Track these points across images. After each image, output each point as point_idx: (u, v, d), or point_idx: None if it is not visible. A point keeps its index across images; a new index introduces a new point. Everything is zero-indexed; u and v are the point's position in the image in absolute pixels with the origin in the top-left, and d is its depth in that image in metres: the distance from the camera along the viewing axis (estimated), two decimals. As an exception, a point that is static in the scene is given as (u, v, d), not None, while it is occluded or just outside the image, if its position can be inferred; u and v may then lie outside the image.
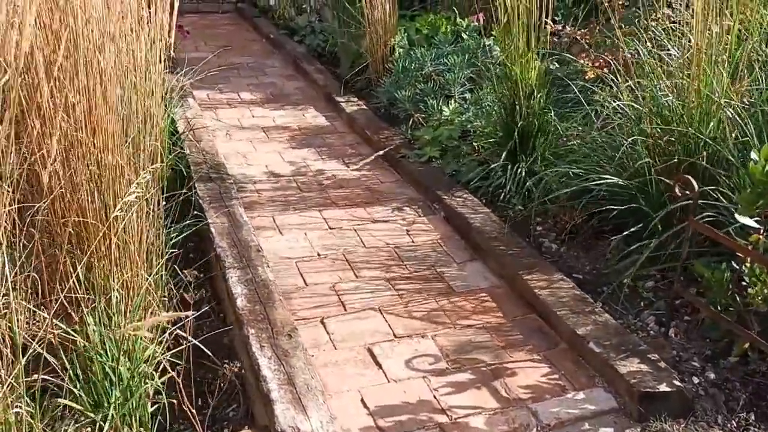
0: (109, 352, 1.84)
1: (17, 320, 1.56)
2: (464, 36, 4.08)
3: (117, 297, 1.97)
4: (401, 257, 2.65)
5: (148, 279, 2.08)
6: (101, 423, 1.72)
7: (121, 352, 1.86)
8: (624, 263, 2.41)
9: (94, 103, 1.95)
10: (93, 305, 1.89)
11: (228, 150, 3.60)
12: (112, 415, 1.72)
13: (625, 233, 2.45)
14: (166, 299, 2.24)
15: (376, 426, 1.81)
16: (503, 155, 3.05)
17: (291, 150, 3.67)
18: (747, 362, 2.03)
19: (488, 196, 3.03)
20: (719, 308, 2.06)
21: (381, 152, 3.48)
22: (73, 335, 1.79)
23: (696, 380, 1.98)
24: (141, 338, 1.94)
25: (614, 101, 2.66)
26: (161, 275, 2.25)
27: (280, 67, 5.28)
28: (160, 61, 3.72)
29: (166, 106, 3.71)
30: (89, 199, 1.93)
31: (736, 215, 1.83)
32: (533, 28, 3.01)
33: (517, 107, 3.04)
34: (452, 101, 3.51)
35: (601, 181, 2.52)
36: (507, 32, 3.03)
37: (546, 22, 3.10)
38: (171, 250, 2.48)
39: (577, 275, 2.54)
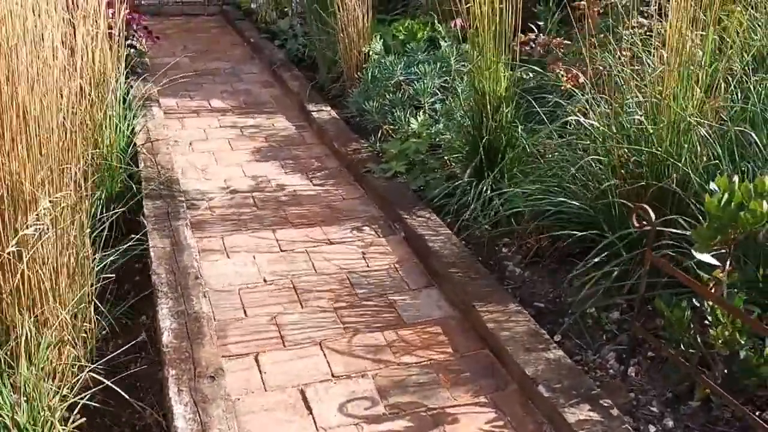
0: (6, 399, 1.69)
1: None
2: (441, 43, 3.90)
3: (26, 333, 1.83)
4: (353, 284, 2.49)
5: (62, 313, 1.93)
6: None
7: (22, 398, 1.71)
8: (587, 291, 2.24)
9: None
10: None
11: (187, 163, 3.45)
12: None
13: (587, 259, 2.28)
14: (86, 334, 2.09)
15: (295, 483, 1.66)
16: (468, 171, 2.89)
17: (254, 163, 3.51)
18: (710, 408, 1.86)
19: (453, 214, 2.87)
20: (682, 347, 1.90)
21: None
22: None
23: (652, 429, 1.81)
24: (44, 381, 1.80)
25: (580, 117, 2.48)
26: (84, 306, 2.10)
27: (258, 73, 5.13)
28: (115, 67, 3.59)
29: (124, 116, 3.58)
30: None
31: (693, 251, 1.65)
32: (503, 36, 2.84)
33: (484, 120, 2.88)
34: (422, 113, 3.34)
35: (562, 204, 2.35)
36: (475, 41, 2.87)
37: (518, 30, 2.94)
38: (111, 276, 2.34)
39: (539, 303, 2.38)
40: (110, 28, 3.89)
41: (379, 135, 3.50)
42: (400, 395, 1.95)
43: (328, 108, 4.08)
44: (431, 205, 2.93)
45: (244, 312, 2.32)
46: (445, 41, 3.76)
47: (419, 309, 2.36)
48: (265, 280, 2.50)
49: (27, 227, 1.71)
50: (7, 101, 1.82)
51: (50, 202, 1.77)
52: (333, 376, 2.02)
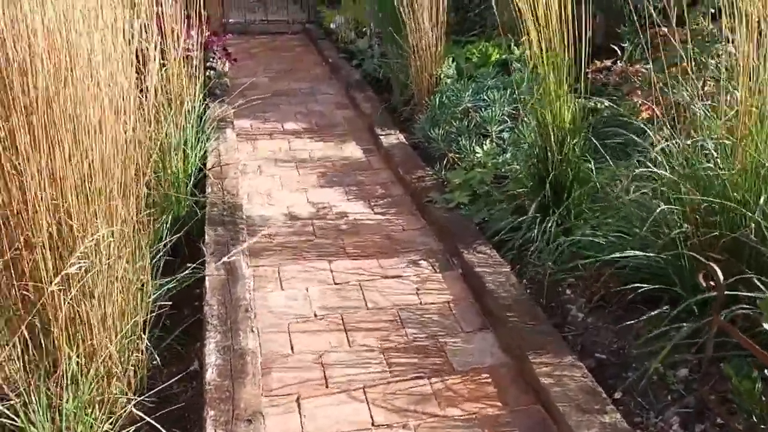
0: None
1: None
2: (515, 66, 3.78)
3: (73, 366, 1.87)
4: (404, 322, 2.42)
5: (109, 346, 1.97)
6: None
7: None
8: (654, 346, 2.07)
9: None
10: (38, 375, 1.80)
11: (253, 188, 3.49)
12: None
13: (657, 311, 2.11)
14: (137, 364, 2.13)
15: None
16: (534, 206, 2.76)
17: (318, 189, 3.51)
18: (785, 493, 1.66)
19: (515, 250, 2.74)
20: (754, 418, 1.71)
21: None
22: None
23: None
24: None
25: (651, 156, 2.31)
26: (135, 336, 2.14)
27: (334, 93, 5.16)
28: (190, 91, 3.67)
29: (197, 139, 3.67)
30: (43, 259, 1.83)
31: (764, 323, 1.48)
32: (571, 63, 2.71)
33: (549, 154, 2.74)
34: (488, 141, 3.23)
35: (628, 253, 2.19)
36: (537, 68, 2.74)
37: (593, 55, 2.79)
38: (167, 303, 2.38)
39: (600, 354, 2.22)
40: (189, 50, 4.01)
41: (444, 163, 3.42)
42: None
43: (397, 132, 4.03)
44: (493, 239, 2.82)
45: (291, 348, 2.29)
46: (517, 65, 3.63)
47: (470, 354, 2.26)
48: (315, 315, 2.47)
49: (71, 265, 1.74)
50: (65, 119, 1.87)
51: (92, 240, 1.79)
52: (373, 425, 1.95)
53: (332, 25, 6.26)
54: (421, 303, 2.54)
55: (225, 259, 2.66)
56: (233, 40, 6.96)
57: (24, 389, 1.79)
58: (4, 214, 1.81)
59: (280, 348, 2.29)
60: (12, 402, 1.76)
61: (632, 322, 2.22)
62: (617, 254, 2.23)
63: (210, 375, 2.04)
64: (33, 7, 1.74)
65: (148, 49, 2.94)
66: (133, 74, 2.36)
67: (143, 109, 2.93)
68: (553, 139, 2.69)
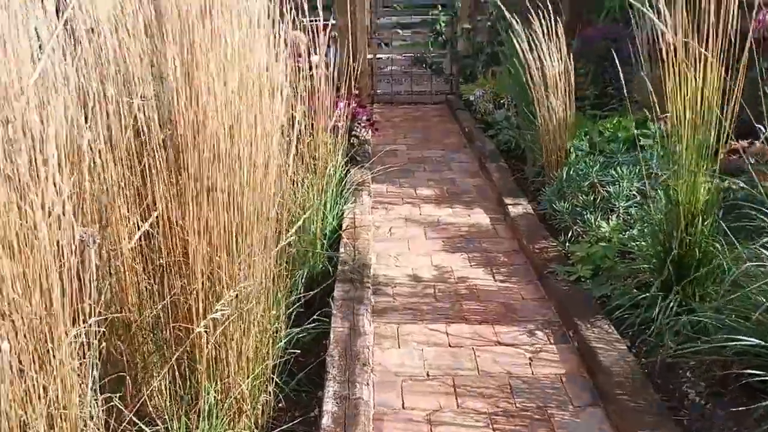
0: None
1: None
2: (648, 142, 3.77)
3: (211, 399, 2.13)
4: (513, 390, 2.47)
5: (242, 385, 2.21)
6: None
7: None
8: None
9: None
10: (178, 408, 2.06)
11: (382, 249, 3.72)
12: None
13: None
14: (263, 406, 2.35)
15: None
16: (657, 284, 2.73)
17: (443, 253, 3.66)
18: None
19: (635, 327, 2.72)
20: None
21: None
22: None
23: None
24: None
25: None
26: (266, 378, 2.37)
27: (467, 162, 5.35)
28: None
29: (335, 202, 3.98)
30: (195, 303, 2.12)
31: None
32: (706, 143, 2.70)
33: (677, 232, 2.72)
34: (615, 217, 3.24)
35: (750, 340, 2.13)
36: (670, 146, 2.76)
37: (730, 135, 2.77)
38: (295, 351, 2.62)
39: (717, 446, 2.15)
40: (336, 121, 4.40)
41: (569, 235, 3.45)
42: None
43: (525, 202, 4.12)
44: (612, 315, 2.81)
45: (402, 404, 2.42)
46: (649, 141, 3.63)
47: (578, 429, 2.26)
48: (428, 374, 2.59)
49: (216, 311, 2.01)
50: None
51: (236, 291, 2.06)
52: (473, 485, 2.02)
53: (471, 98, 6.51)
54: (532, 373, 2.59)
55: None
56: (379, 109, 7.44)
57: (168, 417, 2.07)
58: (168, 262, 2.13)
59: (392, 402, 2.43)
60: (158, 428, 2.02)
61: (750, 408, 2.14)
62: (742, 337, 2.17)
63: (325, 421, 2.22)
64: (213, 80, 2.07)
65: (295, 118, 3.30)
66: (281, 139, 2.70)
67: (287, 172, 3.29)
68: (682, 218, 2.67)
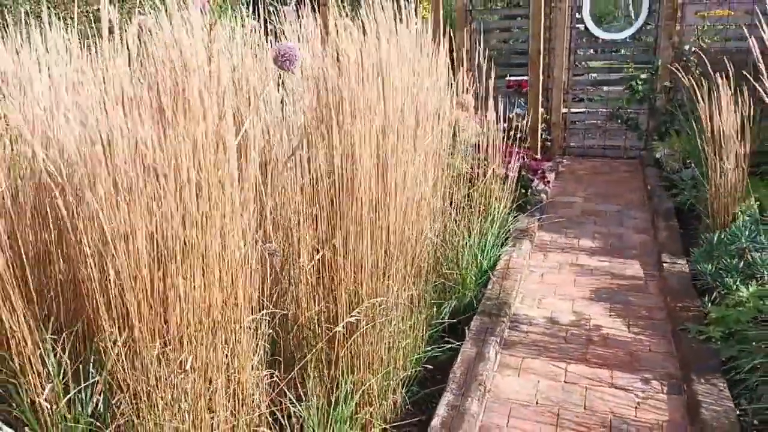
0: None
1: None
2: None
3: (346, 391, 2.69)
4: (612, 428, 2.71)
5: (371, 381, 2.75)
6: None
7: None
8: None
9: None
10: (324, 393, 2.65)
11: (528, 292, 4.06)
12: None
13: None
14: (393, 403, 2.87)
15: None
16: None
17: (586, 301, 3.90)
18: None
19: (753, 389, 2.79)
20: None
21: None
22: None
23: None
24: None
25: None
26: (396, 383, 2.89)
27: (640, 219, 5.43)
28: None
29: (494, 244, 4.41)
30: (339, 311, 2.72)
31: None
32: None
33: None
34: (755, 283, 3.27)
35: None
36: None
37: None
38: (429, 366, 3.13)
39: None
40: (506, 171, 4.86)
41: (713, 297, 3.51)
42: None
43: (683, 262, 4.18)
44: (729, 375, 2.89)
45: (507, 422, 2.78)
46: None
47: (661, 469, 2.45)
48: (537, 402, 2.91)
49: (350, 316, 2.58)
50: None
51: (365, 305, 2.62)
52: (547, 496, 2.33)
53: (657, 155, 6.50)
54: (635, 416, 2.79)
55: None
56: (568, 161, 7.68)
57: (313, 394, 2.67)
58: (326, 278, 2.76)
59: (497, 420, 2.80)
60: (303, 406, 2.63)
61: None
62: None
63: (434, 422, 2.67)
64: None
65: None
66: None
67: (443, 215, 3.84)
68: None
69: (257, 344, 2.41)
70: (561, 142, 7.91)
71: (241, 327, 2.30)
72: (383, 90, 2.71)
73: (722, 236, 3.70)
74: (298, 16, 2.97)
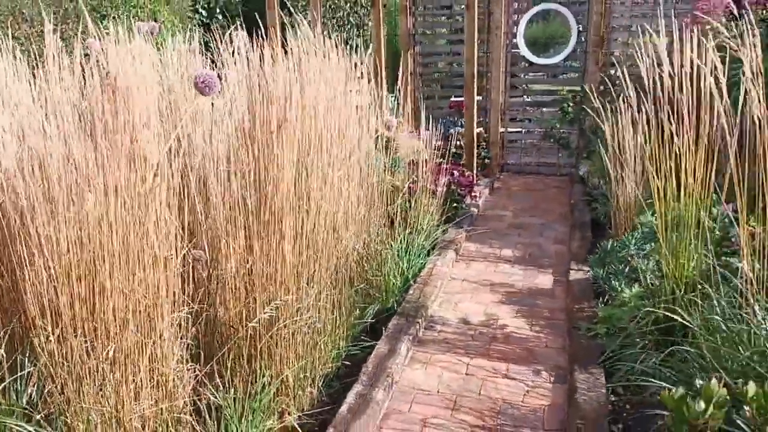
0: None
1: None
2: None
3: (263, 383, 3.00)
4: (500, 412, 3.07)
5: (287, 373, 3.07)
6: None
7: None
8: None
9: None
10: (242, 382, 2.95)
11: (446, 297, 4.42)
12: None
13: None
14: (309, 395, 3.18)
15: None
16: (641, 344, 3.19)
17: (498, 305, 4.28)
18: None
19: (624, 379, 3.17)
20: None
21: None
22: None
23: None
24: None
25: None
26: (313, 377, 3.21)
27: (560, 231, 5.87)
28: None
29: (418, 254, 4.77)
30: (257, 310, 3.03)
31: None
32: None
33: (669, 298, 3.17)
34: (637, 285, 3.69)
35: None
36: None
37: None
38: (347, 362, 3.45)
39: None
40: (435, 187, 5.24)
41: (606, 299, 3.92)
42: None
43: (588, 269, 4.59)
44: (610, 366, 3.28)
45: (409, 408, 3.12)
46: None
47: (536, 445, 2.82)
48: (438, 391, 3.26)
49: (264, 313, 2.90)
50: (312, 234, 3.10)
51: (274, 305, 2.94)
52: (434, 468, 2.68)
53: (581, 171, 6.97)
54: (522, 402, 3.16)
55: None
56: (505, 178, 8.12)
57: (231, 390, 2.97)
58: (248, 282, 3.08)
59: (400, 406, 3.14)
60: (221, 395, 2.93)
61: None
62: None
63: (342, 408, 2.99)
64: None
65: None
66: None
67: (368, 226, 4.17)
68: (668, 288, 3.14)
69: (179, 338, 2.71)
70: (499, 159, 8.36)
71: (162, 322, 2.61)
72: (305, 115, 3.07)
73: (614, 245, 4.12)
74: (251, 42, 3.24)
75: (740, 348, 2.53)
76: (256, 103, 2.89)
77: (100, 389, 2.44)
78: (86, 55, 2.66)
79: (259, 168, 2.95)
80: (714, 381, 1.88)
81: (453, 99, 8.61)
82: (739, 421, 2.06)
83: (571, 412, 2.97)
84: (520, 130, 8.52)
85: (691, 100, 3.07)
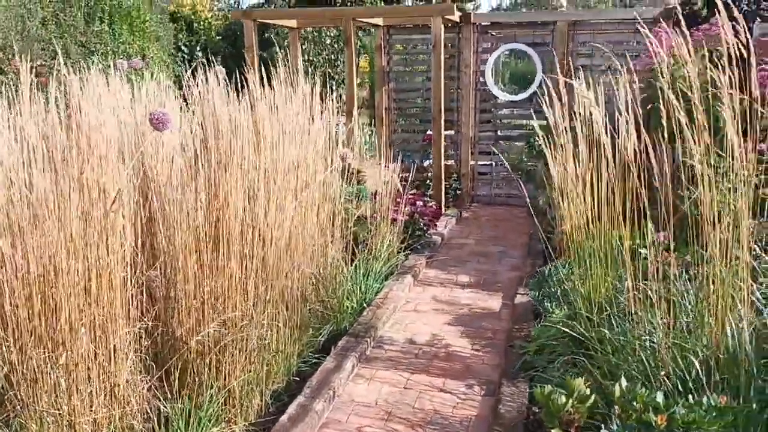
0: None
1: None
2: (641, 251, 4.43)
3: (212, 391, 3.27)
4: (431, 422, 3.34)
5: (233, 384, 3.33)
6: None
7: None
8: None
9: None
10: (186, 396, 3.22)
11: (399, 318, 4.70)
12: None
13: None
14: (258, 406, 3.44)
15: None
16: (563, 360, 3.48)
17: (446, 326, 4.56)
18: None
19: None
20: None
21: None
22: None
23: None
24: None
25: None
26: (260, 390, 3.48)
27: (517, 258, 6.17)
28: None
29: (375, 279, 5.06)
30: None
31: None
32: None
33: (581, 320, 3.47)
34: (566, 307, 3.98)
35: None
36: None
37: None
38: (296, 378, 3.72)
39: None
40: (394, 216, 5.55)
41: (541, 319, 4.21)
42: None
43: (535, 294, 4.88)
44: (538, 380, 3.56)
45: (347, 419, 3.39)
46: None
47: (457, 450, 3.08)
48: (376, 403, 3.53)
49: (210, 328, 3.18)
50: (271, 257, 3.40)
51: (219, 321, 3.22)
52: (361, 470, 2.94)
53: (539, 202, 7.31)
54: (452, 413, 3.42)
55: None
56: (475, 208, 8.44)
57: (179, 399, 3.23)
58: (198, 298, 3.36)
59: (339, 416, 3.40)
60: (170, 405, 3.19)
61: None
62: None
63: (282, 418, 3.26)
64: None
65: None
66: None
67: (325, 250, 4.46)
68: (583, 308, 3.43)
69: (133, 351, 2.99)
70: (470, 190, 8.70)
71: (115, 336, 2.89)
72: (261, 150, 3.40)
73: (551, 269, 4.43)
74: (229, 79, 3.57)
75: (629, 358, 2.81)
76: (207, 138, 3.21)
77: (54, 394, 2.71)
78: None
79: (210, 195, 3.26)
80: (579, 379, 2.16)
81: (428, 133, 8.98)
82: (613, 417, 2.34)
83: (493, 421, 3.23)
84: (490, 162, 8.87)
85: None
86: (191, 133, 3.51)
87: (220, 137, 3.25)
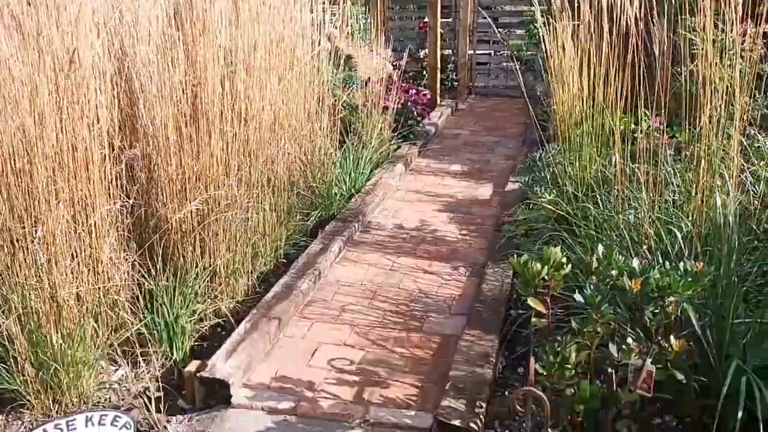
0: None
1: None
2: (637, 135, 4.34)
3: (199, 268, 3.28)
4: (414, 300, 3.37)
5: (218, 263, 3.35)
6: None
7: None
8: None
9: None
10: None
11: (389, 205, 4.68)
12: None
13: None
14: (245, 284, 3.47)
15: (268, 383, 2.70)
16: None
17: (435, 212, 4.55)
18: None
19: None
20: None
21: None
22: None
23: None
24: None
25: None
26: (245, 268, 3.49)
27: (512, 148, 6.08)
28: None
29: (366, 167, 5.01)
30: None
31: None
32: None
33: (567, 200, 3.43)
34: (555, 191, 3.94)
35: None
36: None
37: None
38: (284, 260, 3.74)
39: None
40: (387, 105, 5.41)
41: (531, 204, 4.18)
42: (372, 366, 2.81)
43: (525, 179, 4.83)
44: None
45: (332, 297, 3.42)
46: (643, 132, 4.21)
47: (439, 327, 3.12)
48: (361, 283, 3.55)
49: (192, 205, 3.15)
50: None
51: (203, 198, 3.18)
52: (344, 344, 2.98)
53: (536, 92, 7.13)
54: (436, 292, 3.45)
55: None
56: (473, 99, 8.27)
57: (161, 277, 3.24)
58: (180, 177, 3.31)
59: (324, 295, 3.44)
60: (154, 282, 3.20)
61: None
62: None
63: (268, 295, 3.29)
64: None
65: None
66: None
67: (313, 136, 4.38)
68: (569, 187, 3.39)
69: (115, 228, 2.96)
70: (468, 82, 8.48)
71: (95, 213, 2.85)
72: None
73: (541, 154, 4.35)
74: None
75: (612, 234, 2.80)
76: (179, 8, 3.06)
77: (35, 267, 2.70)
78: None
79: (188, 68, 3.14)
80: (556, 248, 2.14)
81: (424, 20, 8.65)
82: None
83: (475, 298, 3.26)
84: (489, 52, 8.60)
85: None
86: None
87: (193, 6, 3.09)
